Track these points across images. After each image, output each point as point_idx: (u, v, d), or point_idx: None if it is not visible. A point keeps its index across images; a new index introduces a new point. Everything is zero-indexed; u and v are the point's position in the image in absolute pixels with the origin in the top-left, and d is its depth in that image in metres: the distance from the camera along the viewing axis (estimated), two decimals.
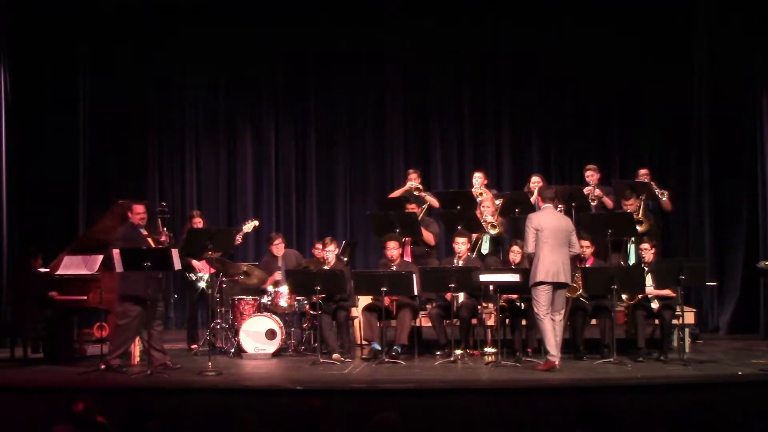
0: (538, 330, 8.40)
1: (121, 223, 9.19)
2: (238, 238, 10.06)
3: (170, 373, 8.33)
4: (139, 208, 8.62)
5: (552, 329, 8.23)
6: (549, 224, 8.33)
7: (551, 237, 8.27)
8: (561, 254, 8.28)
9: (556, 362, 8.21)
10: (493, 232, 9.98)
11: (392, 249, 9.27)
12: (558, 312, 8.33)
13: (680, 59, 11.56)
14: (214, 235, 9.17)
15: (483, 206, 10.06)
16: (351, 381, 8.05)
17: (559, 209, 9.89)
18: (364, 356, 9.19)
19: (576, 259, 8.91)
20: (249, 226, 10.23)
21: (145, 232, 8.62)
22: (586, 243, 9.02)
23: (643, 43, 11.66)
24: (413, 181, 10.64)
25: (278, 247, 10.07)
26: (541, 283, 8.22)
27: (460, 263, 9.26)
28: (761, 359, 8.70)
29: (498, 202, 10.21)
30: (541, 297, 8.26)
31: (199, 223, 10.23)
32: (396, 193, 10.78)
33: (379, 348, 8.89)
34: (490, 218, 9.95)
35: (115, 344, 8.57)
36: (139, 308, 8.39)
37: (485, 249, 10.11)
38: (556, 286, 8.26)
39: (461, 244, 9.38)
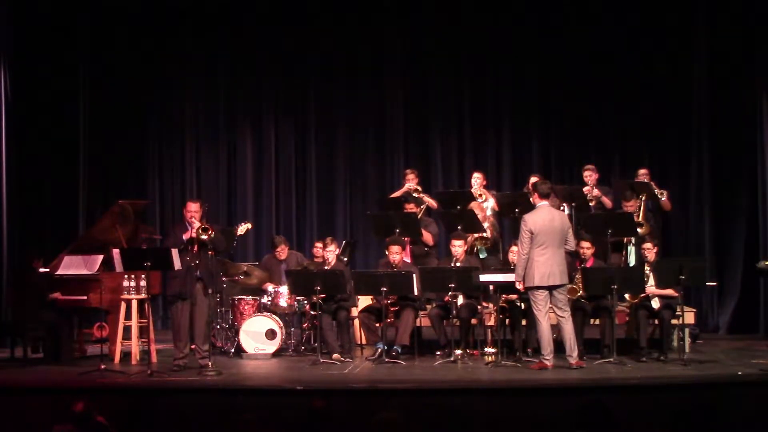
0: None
1: (122, 223, 9.18)
2: None
3: (170, 373, 8.32)
4: (192, 206, 8.60)
5: (548, 331, 8.23)
6: (543, 226, 8.23)
7: (546, 239, 8.21)
8: (555, 255, 8.21)
9: (549, 364, 8.21)
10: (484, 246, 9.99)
11: (395, 254, 9.24)
12: (562, 310, 8.29)
13: (680, 59, 11.56)
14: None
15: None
16: (351, 381, 8.04)
17: (562, 208, 9.90)
18: (369, 357, 9.14)
19: (576, 259, 8.90)
20: (242, 229, 10.17)
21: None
22: (586, 244, 8.99)
23: (642, 43, 11.66)
24: (411, 183, 10.64)
25: (282, 253, 10.04)
26: (536, 287, 8.22)
27: (458, 265, 9.23)
28: (761, 359, 8.70)
29: (487, 205, 10.16)
30: (538, 299, 8.26)
31: None
32: (394, 196, 10.77)
33: (385, 347, 8.86)
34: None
35: (174, 346, 8.63)
36: (180, 305, 8.47)
37: (482, 256, 10.07)
38: (552, 287, 8.25)
39: (458, 247, 9.36)
